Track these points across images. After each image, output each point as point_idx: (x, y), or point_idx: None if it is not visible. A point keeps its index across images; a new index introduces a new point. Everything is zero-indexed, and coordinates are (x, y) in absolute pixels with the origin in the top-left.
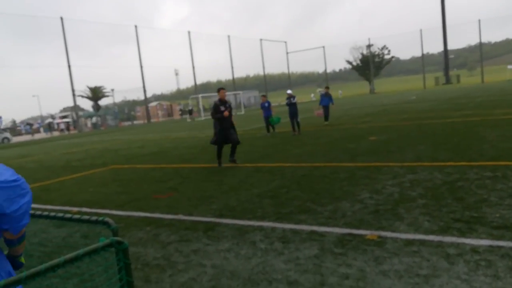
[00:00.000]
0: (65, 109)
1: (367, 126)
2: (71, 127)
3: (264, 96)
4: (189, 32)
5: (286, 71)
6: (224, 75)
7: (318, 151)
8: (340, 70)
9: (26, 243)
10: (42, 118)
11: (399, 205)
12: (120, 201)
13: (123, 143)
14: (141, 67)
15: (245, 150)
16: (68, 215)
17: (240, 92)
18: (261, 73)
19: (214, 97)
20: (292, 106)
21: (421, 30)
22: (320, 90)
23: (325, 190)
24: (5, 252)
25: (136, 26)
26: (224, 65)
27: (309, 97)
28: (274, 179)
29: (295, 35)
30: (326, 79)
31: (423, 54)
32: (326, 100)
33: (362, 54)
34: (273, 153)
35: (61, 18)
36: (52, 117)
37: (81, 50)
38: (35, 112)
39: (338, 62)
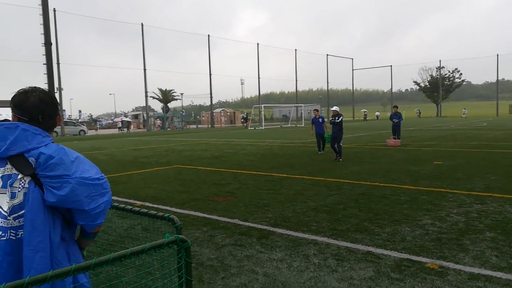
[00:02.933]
0: (137, 108)
1: (432, 150)
2: (141, 126)
3: (316, 110)
4: (257, 44)
5: (350, 87)
6: (288, 87)
7: (378, 171)
8: (407, 90)
9: None
10: (116, 115)
11: (464, 235)
12: (181, 200)
13: (187, 145)
14: (210, 74)
15: (303, 162)
16: (136, 209)
17: (302, 105)
18: (325, 87)
19: (276, 107)
20: (335, 126)
21: (497, 55)
22: (378, 114)
23: (384, 211)
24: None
25: (208, 36)
26: (288, 77)
27: (373, 115)
28: (331, 194)
29: (364, 51)
30: (392, 98)
31: (498, 80)
32: (396, 118)
33: (431, 75)
34: (331, 168)
35: (142, 24)
36: (125, 115)
37: (158, 53)
38: (110, 109)
39: (405, 82)
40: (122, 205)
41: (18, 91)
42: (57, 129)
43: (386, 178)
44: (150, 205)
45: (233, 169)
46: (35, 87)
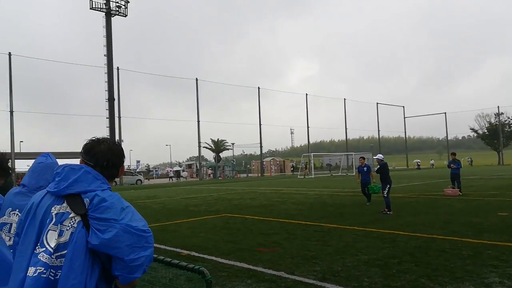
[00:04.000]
0: (191, 158)
1: (495, 200)
2: (194, 175)
3: (362, 158)
4: (306, 95)
5: (402, 135)
6: (338, 136)
7: (435, 222)
8: (463, 137)
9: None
10: (171, 165)
11: None
12: (227, 250)
13: (237, 194)
14: (260, 124)
15: (354, 212)
16: (168, 259)
17: (353, 153)
18: (376, 135)
19: (326, 156)
20: (381, 173)
21: None
22: (432, 162)
23: (443, 267)
24: None
25: (259, 88)
26: (338, 126)
27: (428, 163)
28: (384, 247)
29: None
30: (448, 146)
31: None
32: (455, 167)
33: (489, 122)
34: (384, 218)
35: (196, 79)
36: (179, 164)
37: (211, 104)
38: (166, 159)
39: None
40: (155, 255)
41: (90, 139)
42: (116, 179)
43: (445, 230)
44: (196, 254)
45: (280, 218)
46: (107, 137)
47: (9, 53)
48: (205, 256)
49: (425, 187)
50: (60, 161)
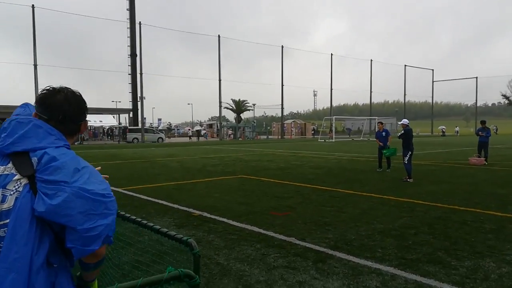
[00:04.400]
0: (212, 118)
1: None
2: (215, 135)
3: (381, 123)
4: (331, 55)
5: (429, 100)
6: (363, 99)
7: (457, 192)
8: (493, 104)
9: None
10: (193, 124)
11: None
12: (239, 212)
13: (255, 155)
14: (282, 85)
15: (373, 178)
16: (157, 227)
17: (376, 118)
18: (402, 100)
19: (348, 119)
20: (404, 139)
21: None
22: (457, 129)
23: (463, 240)
24: (78, 273)
25: (282, 47)
26: (363, 89)
27: (452, 130)
28: (401, 216)
29: (449, 61)
30: (476, 112)
31: None
32: (483, 136)
33: None
34: (404, 186)
35: (219, 36)
36: (200, 124)
37: (233, 63)
38: (188, 118)
39: (492, 95)
40: (144, 221)
41: (45, 88)
42: (138, 135)
43: (467, 201)
44: (208, 215)
45: (296, 182)
46: (65, 87)
47: (32, 5)
48: (217, 217)
49: (449, 155)
50: (87, 117)
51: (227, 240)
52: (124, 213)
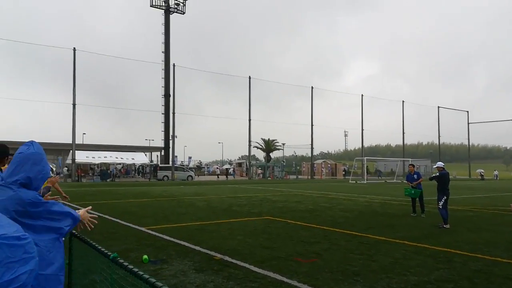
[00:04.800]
0: (242, 157)
1: None
2: (243, 174)
3: (412, 166)
4: (362, 95)
5: (465, 142)
6: (395, 140)
7: (500, 242)
8: None
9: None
10: (223, 162)
11: None
12: (262, 257)
13: (283, 196)
14: (312, 125)
15: (407, 224)
16: (152, 280)
17: (410, 159)
18: (436, 141)
19: (380, 160)
20: (439, 182)
21: None
22: (496, 173)
23: None
24: None
25: (312, 88)
26: (396, 130)
27: (491, 173)
28: (438, 267)
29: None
30: None
31: None
32: None
33: None
34: (439, 233)
35: (249, 77)
36: (229, 162)
37: (263, 103)
38: (218, 157)
39: None
40: (135, 269)
41: None
42: (168, 173)
43: (510, 252)
44: (229, 260)
45: (325, 225)
46: None
47: (74, 48)
48: (238, 262)
49: (489, 201)
50: (120, 154)
51: None
52: (126, 263)
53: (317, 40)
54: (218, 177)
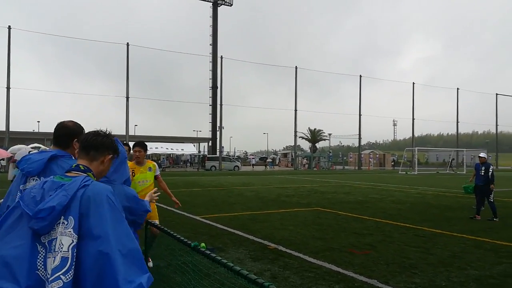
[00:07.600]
0: (287, 147)
1: None
2: (289, 164)
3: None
4: (413, 84)
5: None
6: (448, 129)
7: None
8: None
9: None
10: (268, 153)
11: None
12: (315, 247)
13: (331, 187)
14: (360, 115)
15: (464, 217)
16: (230, 264)
17: (464, 149)
18: (493, 130)
19: (432, 151)
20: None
21: None
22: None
23: None
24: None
25: (360, 76)
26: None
27: None
28: (500, 261)
29: None
30: None
31: None
32: None
33: None
34: (501, 227)
35: (296, 67)
36: (275, 153)
37: (311, 90)
38: (264, 147)
39: None
40: (218, 258)
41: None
42: (216, 163)
43: None
44: (283, 249)
45: (376, 217)
46: None
47: (127, 43)
48: (292, 252)
49: None
50: (170, 145)
51: (304, 277)
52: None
53: (374, 17)
54: (253, 167)
